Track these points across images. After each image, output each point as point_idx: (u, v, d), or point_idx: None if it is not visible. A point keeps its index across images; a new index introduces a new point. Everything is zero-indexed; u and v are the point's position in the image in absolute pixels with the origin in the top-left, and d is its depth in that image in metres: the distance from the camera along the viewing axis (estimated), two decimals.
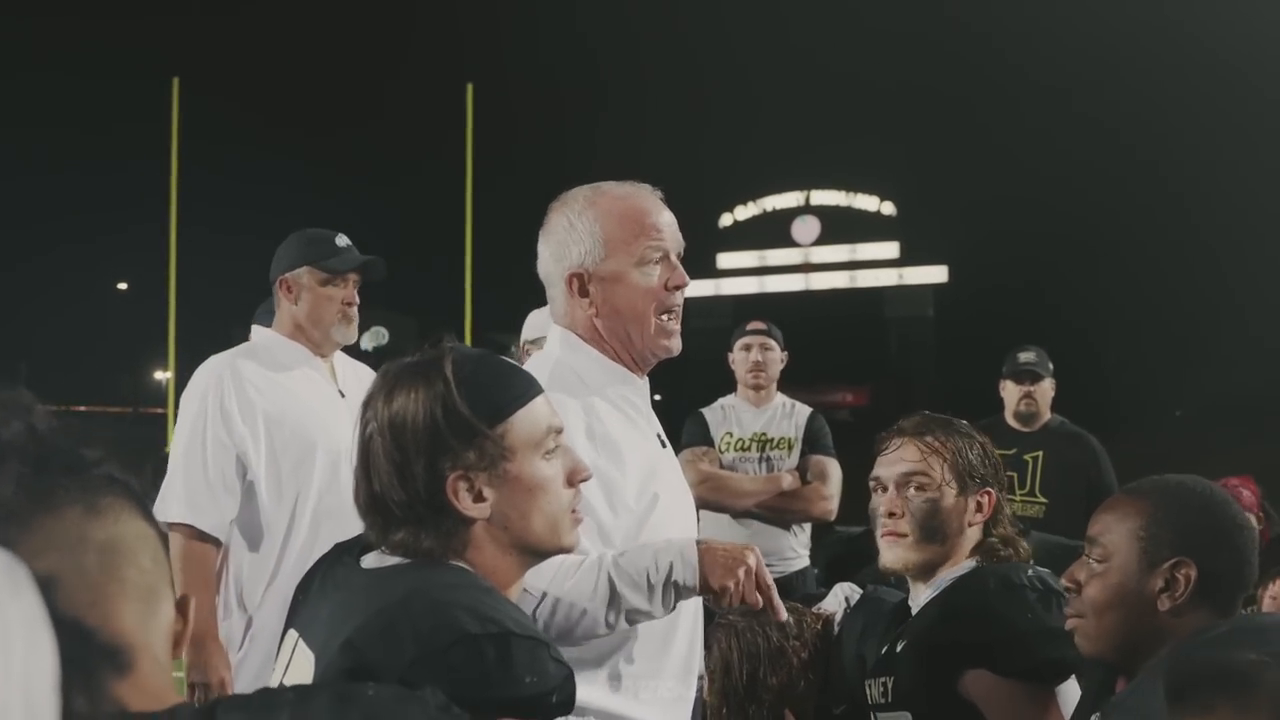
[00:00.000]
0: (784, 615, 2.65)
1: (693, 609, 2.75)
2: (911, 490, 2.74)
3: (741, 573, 2.52)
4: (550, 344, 2.75)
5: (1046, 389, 6.24)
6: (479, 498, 1.89)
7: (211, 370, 3.97)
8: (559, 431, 2.00)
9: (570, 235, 2.66)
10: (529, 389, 1.99)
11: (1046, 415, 6.25)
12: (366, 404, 1.96)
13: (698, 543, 2.55)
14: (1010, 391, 6.25)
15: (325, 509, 3.87)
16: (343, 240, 4.11)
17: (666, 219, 2.70)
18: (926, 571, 2.78)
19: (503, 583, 1.92)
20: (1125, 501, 2.30)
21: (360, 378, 4.10)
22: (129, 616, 1.25)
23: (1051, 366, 6.29)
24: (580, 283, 2.66)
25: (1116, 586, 2.23)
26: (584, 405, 2.56)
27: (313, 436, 3.91)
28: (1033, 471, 6.06)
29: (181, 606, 1.33)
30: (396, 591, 1.79)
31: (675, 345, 2.72)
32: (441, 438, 1.87)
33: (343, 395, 4.05)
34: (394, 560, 1.91)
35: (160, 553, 1.30)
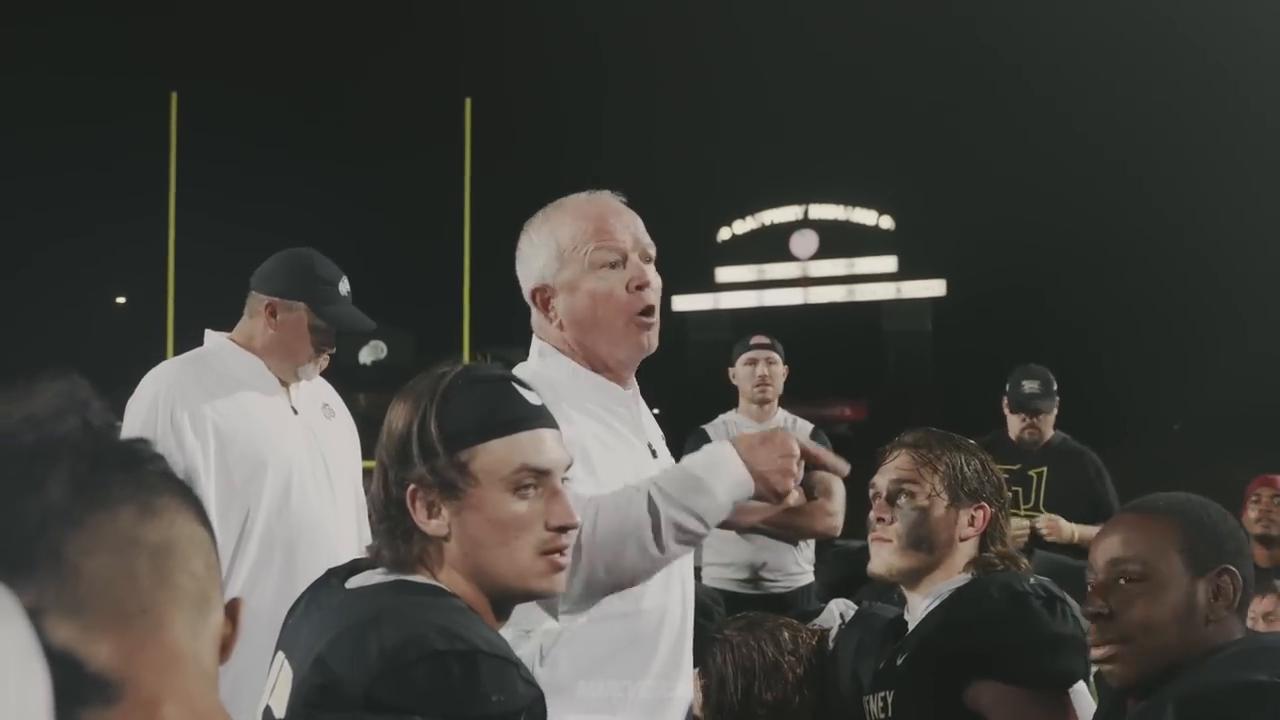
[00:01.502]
0: (846, 468, 2.73)
1: (679, 606, 2.75)
2: (902, 498, 2.79)
3: (793, 465, 2.64)
4: (530, 356, 2.76)
5: (1049, 416, 6.25)
6: (434, 514, 1.92)
7: (161, 378, 3.73)
8: (542, 473, 1.98)
9: (530, 251, 2.68)
10: (519, 423, 1.99)
11: (1049, 433, 6.26)
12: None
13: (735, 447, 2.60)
14: (1013, 420, 6.25)
15: (276, 531, 3.69)
16: (345, 287, 3.91)
17: (623, 221, 2.68)
18: (912, 579, 2.80)
19: (479, 613, 1.93)
20: (1147, 519, 2.28)
21: (315, 394, 3.99)
22: (180, 625, 1.21)
23: (1055, 388, 6.28)
24: (543, 296, 2.67)
25: (1169, 604, 2.20)
26: (564, 417, 2.54)
27: (263, 455, 3.70)
28: (1036, 487, 6.06)
29: (231, 611, 1.30)
30: (370, 609, 1.81)
31: (648, 342, 2.70)
32: (408, 450, 1.93)
33: (296, 412, 3.87)
34: (375, 580, 1.94)
35: (213, 557, 1.27)
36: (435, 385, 1.97)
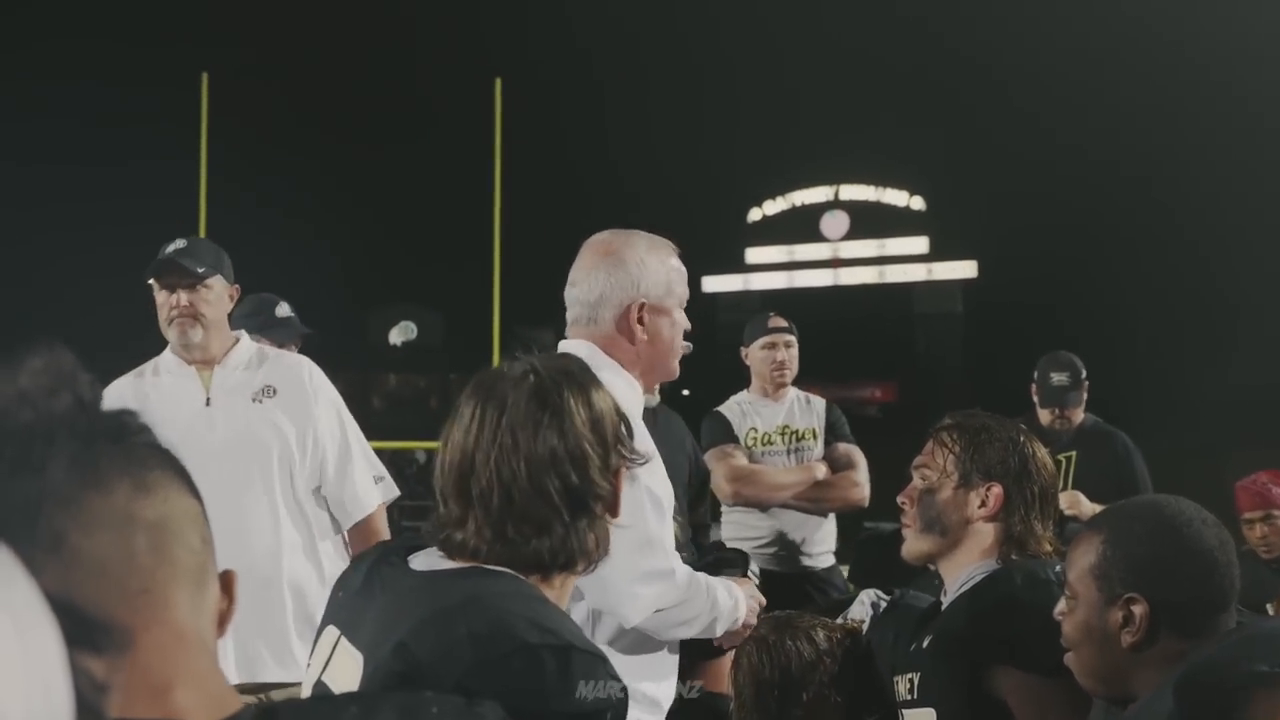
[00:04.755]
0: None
1: None
2: (917, 480, 2.79)
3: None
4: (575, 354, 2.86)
5: (1078, 408, 6.21)
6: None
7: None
8: None
9: (643, 270, 3.06)
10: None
11: (1080, 416, 6.23)
12: (543, 403, 1.92)
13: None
14: (1043, 412, 6.21)
15: None
16: (169, 248, 4.13)
17: None
18: (936, 561, 2.81)
19: (559, 597, 1.92)
20: (1085, 537, 2.30)
21: (252, 380, 4.11)
22: (182, 604, 1.20)
23: (1085, 375, 6.23)
24: (639, 311, 3.05)
25: (1082, 624, 2.25)
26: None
27: None
28: (1065, 471, 6.03)
29: (226, 584, 1.29)
30: (453, 595, 1.78)
31: (676, 372, 3.22)
32: (620, 434, 1.98)
33: (209, 403, 4.05)
34: (447, 564, 1.90)
35: (207, 530, 1.26)
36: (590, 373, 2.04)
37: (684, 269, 3.19)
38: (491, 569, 1.87)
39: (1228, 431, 31.38)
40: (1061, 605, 2.30)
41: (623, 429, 1.97)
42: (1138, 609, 2.16)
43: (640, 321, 3.05)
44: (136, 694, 1.14)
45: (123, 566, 1.16)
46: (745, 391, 5.83)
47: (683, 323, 3.15)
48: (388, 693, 1.64)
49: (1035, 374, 6.27)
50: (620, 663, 2.59)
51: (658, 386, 3.38)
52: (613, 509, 1.96)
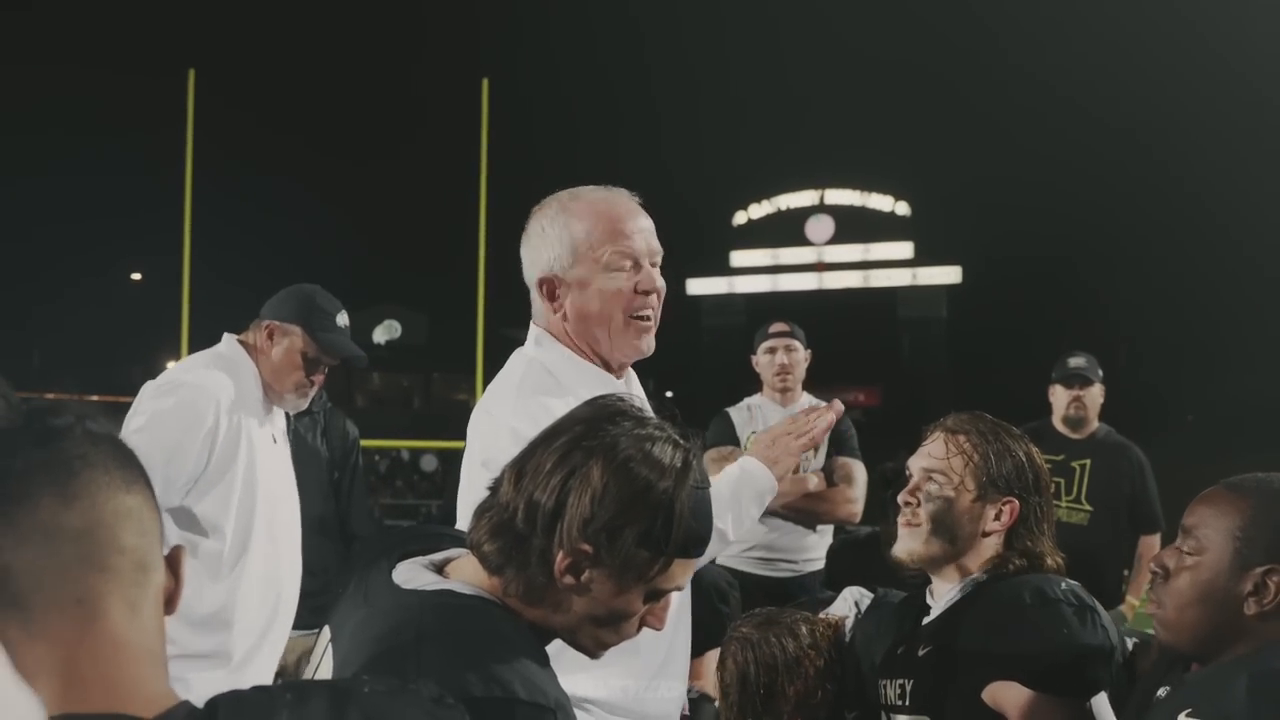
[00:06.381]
0: (835, 411, 2.89)
1: (682, 609, 2.75)
2: (930, 486, 2.75)
3: (798, 450, 2.81)
4: (527, 342, 2.78)
5: (1095, 394, 6.26)
6: (581, 581, 1.82)
7: (214, 396, 3.81)
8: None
9: (542, 240, 2.71)
10: (705, 545, 1.93)
11: (1095, 423, 6.27)
12: (614, 423, 1.86)
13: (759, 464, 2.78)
14: (1059, 396, 6.27)
15: (264, 558, 3.90)
16: (343, 319, 4.12)
17: (640, 224, 2.72)
18: (934, 567, 2.78)
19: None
20: (1225, 498, 2.25)
21: (280, 423, 4.13)
22: (117, 610, 1.21)
23: (1101, 373, 6.28)
24: (550, 287, 2.71)
25: (1205, 583, 2.20)
26: (562, 402, 2.49)
27: (255, 480, 3.88)
28: (1079, 478, 6.06)
29: (172, 562, 1.29)
30: (410, 629, 1.75)
31: (646, 346, 2.76)
32: (648, 529, 1.81)
33: (275, 441, 4.04)
34: (424, 580, 1.86)
35: (146, 519, 1.26)
36: (688, 475, 1.86)
37: (614, 218, 2.68)
38: (462, 592, 1.82)
39: (1217, 438, 31.47)
40: (1172, 558, 2.26)
41: (659, 531, 1.81)
42: (1274, 581, 2.13)
43: (553, 298, 2.70)
44: (75, 703, 1.16)
45: (54, 579, 1.17)
46: (758, 394, 5.85)
47: (616, 284, 2.66)
48: (323, 680, 1.64)
49: (1053, 372, 6.34)
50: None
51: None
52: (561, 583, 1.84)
